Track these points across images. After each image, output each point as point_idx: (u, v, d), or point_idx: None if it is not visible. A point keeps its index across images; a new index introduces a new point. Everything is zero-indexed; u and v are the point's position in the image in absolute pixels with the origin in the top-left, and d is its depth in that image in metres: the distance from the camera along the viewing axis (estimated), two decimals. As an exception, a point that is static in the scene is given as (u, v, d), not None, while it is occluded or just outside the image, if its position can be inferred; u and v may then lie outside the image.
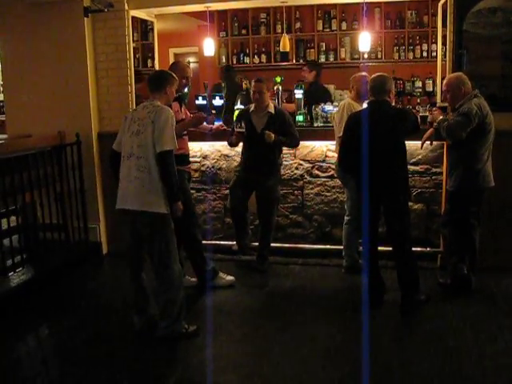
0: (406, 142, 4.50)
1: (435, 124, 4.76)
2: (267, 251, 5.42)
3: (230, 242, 5.80)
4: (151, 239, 3.97)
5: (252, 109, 5.29)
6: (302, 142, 5.58)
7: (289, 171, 5.80)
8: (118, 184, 4.02)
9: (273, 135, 5.04)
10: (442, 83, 5.43)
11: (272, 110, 5.24)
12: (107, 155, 5.83)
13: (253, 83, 5.28)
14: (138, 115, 3.98)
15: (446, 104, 4.88)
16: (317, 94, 6.76)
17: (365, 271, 4.61)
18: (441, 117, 4.71)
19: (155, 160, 3.84)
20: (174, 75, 4.22)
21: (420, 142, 4.91)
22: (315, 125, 5.96)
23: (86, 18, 5.75)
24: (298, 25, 8.79)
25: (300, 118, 5.93)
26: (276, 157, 5.31)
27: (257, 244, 5.48)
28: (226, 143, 5.53)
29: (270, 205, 5.33)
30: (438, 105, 4.98)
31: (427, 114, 5.45)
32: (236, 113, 5.75)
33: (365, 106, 4.88)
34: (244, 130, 5.11)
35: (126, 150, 3.95)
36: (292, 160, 5.79)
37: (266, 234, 5.38)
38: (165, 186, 3.88)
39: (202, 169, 5.97)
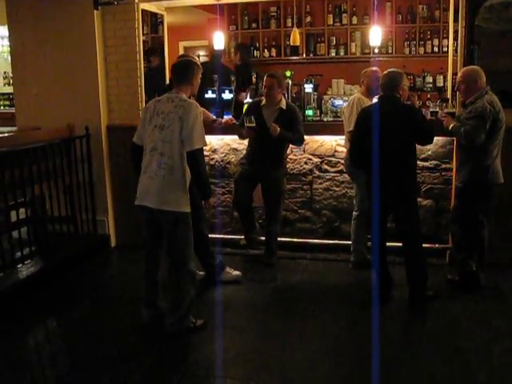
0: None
1: (449, 130, 4.72)
2: (275, 245, 5.42)
3: (239, 237, 5.79)
4: (172, 237, 3.92)
5: (263, 102, 5.27)
6: (311, 137, 5.60)
7: (298, 166, 5.79)
8: (139, 178, 3.96)
9: (278, 128, 5.02)
10: (453, 79, 5.40)
11: (284, 105, 5.21)
12: (116, 148, 5.96)
13: (265, 77, 5.25)
14: (163, 108, 3.87)
15: (454, 110, 4.84)
16: (244, 76, 6.90)
17: (373, 267, 4.60)
18: (452, 123, 4.64)
19: (181, 158, 3.77)
20: (199, 63, 4.16)
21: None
22: (325, 119, 5.94)
23: (95, 11, 5.75)
24: (308, 19, 8.75)
25: (310, 112, 5.91)
26: (283, 150, 5.31)
27: (264, 238, 5.47)
28: (235, 137, 5.53)
29: (276, 197, 5.32)
30: (445, 111, 4.93)
31: (437, 109, 5.43)
32: (245, 106, 5.74)
33: (375, 100, 4.86)
34: (254, 125, 5.06)
35: (149, 144, 3.86)
36: (301, 155, 5.77)
37: (273, 227, 5.37)
38: (196, 184, 3.85)
39: (211, 163, 5.96)
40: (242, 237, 5.69)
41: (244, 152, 5.63)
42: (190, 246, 3.96)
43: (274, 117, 5.17)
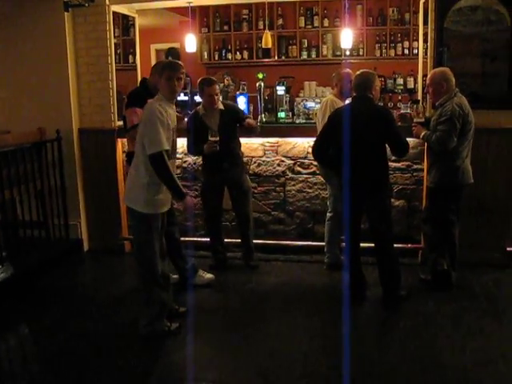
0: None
1: (420, 140, 4.83)
2: (253, 244, 5.42)
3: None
4: (133, 233, 4.05)
5: (202, 111, 5.13)
6: (284, 139, 5.64)
7: (271, 168, 5.80)
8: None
9: (253, 120, 5.06)
10: (423, 80, 5.47)
11: (221, 106, 5.13)
12: (88, 151, 5.91)
13: (205, 87, 5.02)
14: None
15: (423, 120, 4.90)
16: None
17: (346, 267, 4.63)
18: (423, 132, 4.71)
19: (144, 158, 3.74)
20: (162, 64, 4.19)
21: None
22: (297, 121, 5.97)
23: (66, 13, 5.70)
24: (280, 21, 8.77)
25: (282, 114, 5.93)
26: (238, 148, 5.28)
27: (241, 240, 5.46)
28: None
29: (244, 195, 5.31)
30: (415, 120, 5.00)
31: (408, 110, 5.49)
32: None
33: (347, 102, 4.89)
34: (218, 139, 4.91)
35: None
36: (274, 157, 5.79)
37: (248, 226, 5.36)
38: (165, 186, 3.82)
39: (184, 165, 5.94)
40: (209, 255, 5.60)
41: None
42: (145, 246, 3.92)
43: (217, 120, 5.08)
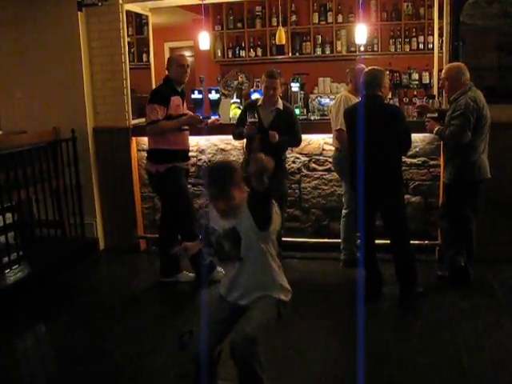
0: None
1: (434, 134, 4.77)
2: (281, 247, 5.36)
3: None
4: None
5: (260, 103, 5.12)
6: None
7: (286, 165, 5.77)
8: None
9: (277, 136, 4.86)
10: (438, 75, 5.41)
11: (280, 106, 5.08)
12: (103, 150, 5.94)
13: (266, 79, 5.02)
14: None
15: (436, 115, 4.84)
16: None
17: (362, 264, 4.60)
18: (436, 127, 4.65)
19: None
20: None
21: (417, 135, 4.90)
22: (312, 118, 5.94)
23: (79, 13, 5.72)
24: (293, 18, 8.73)
25: (296, 111, 5.90)
26: (282, 152, 5.17)
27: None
28: (222, 137, 5.51)
29: (280, 200, 5.26)
30: (428, 115, 4.91)
31: (418, 103, 5.44)
32: (232, 106, 5.69)
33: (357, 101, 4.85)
34: (257, 120, 4.89)
35: None
36: (289, 154, 5.75)
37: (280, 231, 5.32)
38: None
39: (199, 163, 5.94)
40: None
41: (232, 153, 5.59)
42: None
43: (271, 118, 5.04)
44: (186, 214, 4.80)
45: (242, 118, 5.12)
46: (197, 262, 4.90)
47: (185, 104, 5.03)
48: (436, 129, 4.63)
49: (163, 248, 5.06)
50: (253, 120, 4.89)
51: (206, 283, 4.83)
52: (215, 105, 5.96)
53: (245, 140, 5.21)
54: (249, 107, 5.11)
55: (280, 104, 5.10)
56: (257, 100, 5.25)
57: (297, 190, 5.83)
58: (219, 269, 5.03)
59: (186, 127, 4.97)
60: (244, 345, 2.68)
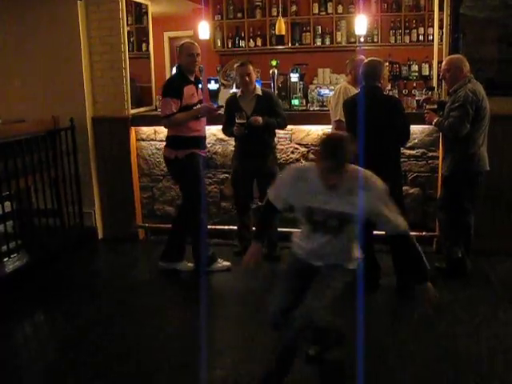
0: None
1: (433, 126, 4.78)
2: (276, 237, 5.36)
3: (227, 227, 5.80)
4: None
5: (239, 94, 5.20)
6: (297, 126, 5.59)
7: (284, 155, 5.78)
8: None
9: (260, 119, 4.94)
10: (438, 67, 5.40)
11: (259, 91, 5.15)
12: (101, 139, 5.93)
13: (238, 68, 5.14)
14: None
15: (435, 106, 4.84)
16: None
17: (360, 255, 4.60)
18: (436, 118, 4.67)
19: None
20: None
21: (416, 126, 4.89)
22: (311, 109, 5.93)
23: (79, 1, 5.69)
24: (293, 8, 8.70)
25: (296, 101, 5.90)
26: (271, 139, 5.26)
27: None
28: (221, 127, 5.50)
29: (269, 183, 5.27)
30: (428, 107, 4.92)
31: (423, 97, 5.43)
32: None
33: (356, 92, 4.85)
34: (245, 121, 4.95)
35: None
36: (288, 144, 5.76)
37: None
38: None
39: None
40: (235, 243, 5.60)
41: (231, 143, 5.59)
42: None
43: (252, 106, 5.10)
44: (197, 203, 4.80)
45: (229, 117, 5.16)
46: (199, 252, 4.91)
47: (199, 92, 5.00)
48: (435, 120, 4.64)
49: (177, 233, 5.07)
50: (240, 121, 4.95)
51: (205, 274, 4.86)
52: (214, 95, 5.96)
53: None
54: (231, 104, 5.18)
55: (258, 90, 5.17)
56: (235, 92, 5.31)
57: (295, 181, 5.81)
58: (220, 261, 5.05)
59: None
60: (320, 313, 3.03)
